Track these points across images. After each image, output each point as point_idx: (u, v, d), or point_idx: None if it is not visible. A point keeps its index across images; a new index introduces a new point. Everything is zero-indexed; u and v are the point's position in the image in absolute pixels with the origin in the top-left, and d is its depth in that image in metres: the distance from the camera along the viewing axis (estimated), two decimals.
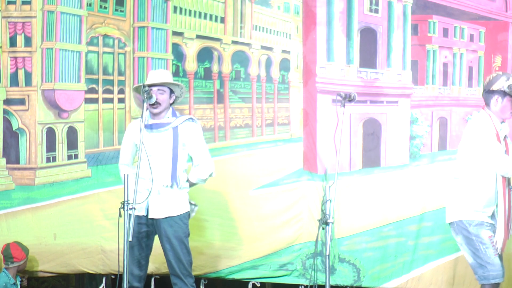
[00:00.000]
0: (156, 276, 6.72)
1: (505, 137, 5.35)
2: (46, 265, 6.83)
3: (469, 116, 6.60)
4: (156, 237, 5.69)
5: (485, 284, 5.25)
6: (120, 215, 5.16)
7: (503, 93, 5.25)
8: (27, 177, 6.93)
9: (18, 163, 6.94)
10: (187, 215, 5.68)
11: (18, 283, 6.58)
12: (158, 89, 5.59)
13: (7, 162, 6.95)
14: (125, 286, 5.10)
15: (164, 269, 5.85)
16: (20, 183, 6.95)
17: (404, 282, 6.65)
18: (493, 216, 5.28)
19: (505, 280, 5.52)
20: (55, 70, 6.84)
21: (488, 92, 5.32)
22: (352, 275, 6.69)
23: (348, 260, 6.71)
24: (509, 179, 5.29)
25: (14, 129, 6.91)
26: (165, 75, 5.74)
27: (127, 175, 5.17)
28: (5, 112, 6.93)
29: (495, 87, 5.28)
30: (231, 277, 6.78)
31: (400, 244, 6.68)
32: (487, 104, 5.33)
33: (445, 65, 6.92)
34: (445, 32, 6.94)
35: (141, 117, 5.33)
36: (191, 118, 5.76)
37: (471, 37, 6.95)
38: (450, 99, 6.89)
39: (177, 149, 5.60)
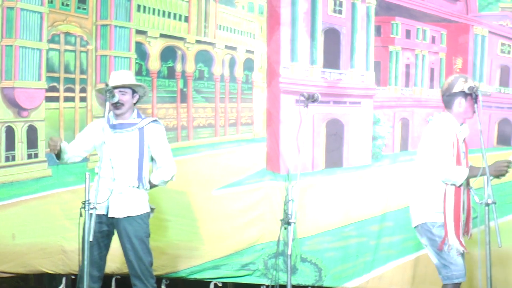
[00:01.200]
0: (117, 276, 6.72)
1: (464, 139, 5.41)
2: (4, 266, 6.78)
3: (431, 117, 6.68)
4: (116, 237, 5.68)
5: (448, 283, 5.30)
6: (81, 215, 5.16)
7: (464, 94, 5.33)
8: None
9: None
10: (148, 215, 5.70)
11: None
12: (120, 90, 5.60)
13: None
14: (85, 285, 5.12)
15: (126, 268, 5.82)
16: None
17: (365, 282, 6.70)
18: None
19: (467, 281, 5.60)
20: (14, 67, 6.78)
21: (450, 96, 5.38)
22: (313, 274, 6.72)
23: (310, 260, 6.74)
24: (468, 181, 5.34)
25: None
26: (126, 76, 5.75)
27: (89, 174, 5.20)
28: None
29: (456, 89, 5.35)
30: (192, 277, 6.79)
31: (362, 244, 6.73)
32: (449, 107, 5.39)
33: (407, 66, 6.99)
34: (408, 33, 7.00)
35: (104, 116, 5.34)
36: (156, 120, 5.78)
37: (433, 39, 7.01)
38: (412, 100, 6.94)
39: (143, 149, 5.63)
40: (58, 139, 5.53)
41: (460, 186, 5.26)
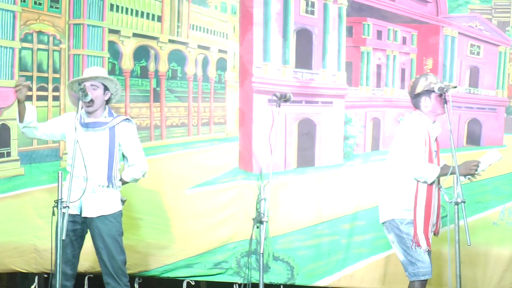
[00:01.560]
0: (90, 275, 6.69)
1: (436, 138, 5.46)
2: None
3: (401, 117, 6.66)
4: (88, 236, 5.67)
5: (415, 280, 5.35)
6: (53, 214, 5.15)
7: (428, 92, 5.39)
8: None
9: None
10: (121, 213, 5.70)
11: None
12: (91, 85, 5.57)
13: None
14: (57, 284, 5.11)
15: (98, 267, 5.79)
16: None
17: (336, 280, 6.73)
18: None
19: (434, 277, 5.63)
20: None
21: (415, 97, 5.46)
22: (286, 273, 6.75)
23: (282, 258, 6.77)
24: (439, 179, 5.40)
25: None
26: (98, 71, 5.74)
27: (61, 172, 5.19)
28: None
29: (418, 89, 5.42)
30: (165, 275, 6.79)
31: (334, 243, 6.75)
32: (418, 108, 5.46)
33: (378, 66, 7.02)
34: (379, 34, 7.04)
35: (76, 115, 5.32)
36: (127, 119, 5.76)
37: (404, 40, 7.06)
38: (383, 100, 6.99)
39: (113, 149, 5.61)
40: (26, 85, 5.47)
41: (431, 184, 5.30)
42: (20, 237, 6.71)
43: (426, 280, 5.38)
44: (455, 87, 5.51)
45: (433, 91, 5.36)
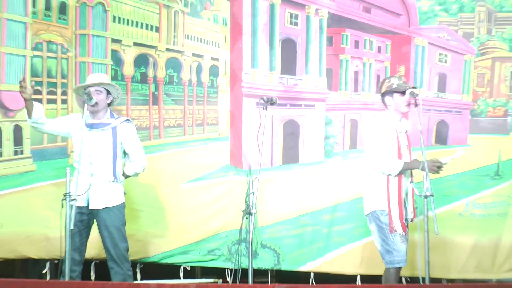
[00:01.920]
0: (96, 261, 6.83)
1: (406, 131, 5.73)
2: None
3: None
4: (95, 226, 5.91)
5: (391, 268, 5.59)
6: (62, 206, 5.37)
7: (390, 92, 5.69)
8: None
9: None
10: (124, 205, 5.93)
11: None
12: (95, 90, 5.83)
13: None
14: (66, 270, 5.38)
15: (104, 254, 6.00)
16: None
17: (318, 266, 6.93)
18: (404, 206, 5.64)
19: (408, 264, 5.90)
20: (1, 72, 6.74)
21: (382, 97, 5.79)
22: (272, 259, 6.97)
23: (269, 246, 6.98)
24: (411, 172, 5.65)
25: None
26: (101, 77, 5.97)
27: (69, 169, 5.45)
28: None
29: (382, 90, 5.76)
30: (164, 261, 6.94)
31: (316, 232, 6.97)
32: (385, 106, 5.79)
33: (356, 73, 7.25)
34: (357, 44, 7.27)
35: (82, 117, 5.57)
36: (127, 119, 6.00)
37: (379, 49, 7.30)
38: (360, 104, 7.22)
39: (116, 147, 5.86)
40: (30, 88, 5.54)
41: (399, 175, 5.54)
42: (32, 227, 6.78)
43: (400, 268, 5.62)
44: (415, 87, 5.81)
45: (395, 92, 5.66)
